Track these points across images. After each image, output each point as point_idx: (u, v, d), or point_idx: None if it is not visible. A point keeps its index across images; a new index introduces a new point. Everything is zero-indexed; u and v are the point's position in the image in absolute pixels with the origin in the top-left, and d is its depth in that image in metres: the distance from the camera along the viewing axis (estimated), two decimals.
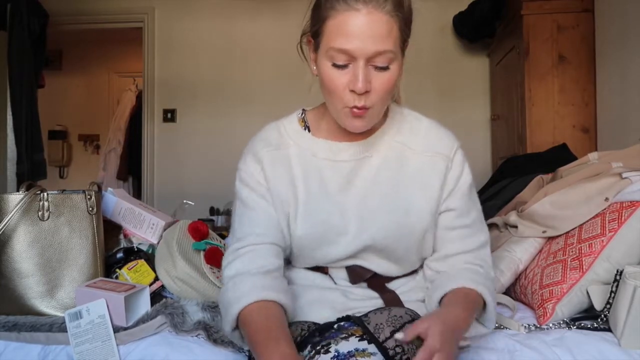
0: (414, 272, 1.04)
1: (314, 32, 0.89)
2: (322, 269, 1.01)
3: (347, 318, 0.85)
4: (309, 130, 1.00)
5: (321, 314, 0.93)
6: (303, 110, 1.04)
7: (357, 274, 0.97)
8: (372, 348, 0.77)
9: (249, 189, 0.97)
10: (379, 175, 0.95)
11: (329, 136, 0.98)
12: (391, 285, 1.00)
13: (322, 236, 0.94)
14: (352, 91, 0.84)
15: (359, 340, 0.79)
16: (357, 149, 0.96)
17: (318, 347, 0.79)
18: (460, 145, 0.99)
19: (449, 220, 0.97)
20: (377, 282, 0.99)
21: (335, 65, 0.85)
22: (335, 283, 0.99)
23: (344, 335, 0.81)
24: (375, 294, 0.98)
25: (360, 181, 0.95)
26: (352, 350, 0.77)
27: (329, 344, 0.79)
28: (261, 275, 0.89)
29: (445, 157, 0.96)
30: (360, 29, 0.81)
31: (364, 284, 0.99)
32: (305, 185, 0.96)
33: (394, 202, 0.94)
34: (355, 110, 0.86)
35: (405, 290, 1.00)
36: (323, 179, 0.95)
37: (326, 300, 0.96)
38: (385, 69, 0.84)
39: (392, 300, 0.96)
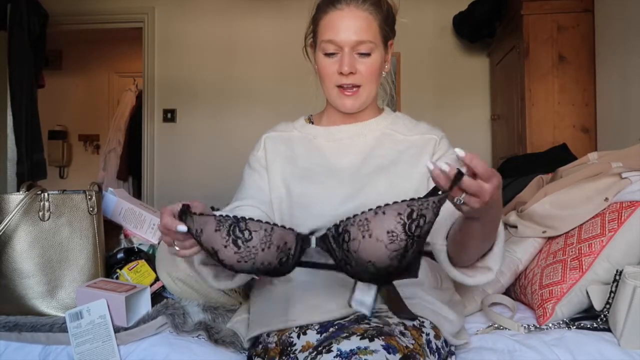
0: None
1: (312, 33, 1.08)
2: None
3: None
4: (312, 123, 1.16)
5: (323, 308, 0.96)
6: (311, 115, 1.20)
7: None
8: (374, 345, 0.78)
9: (249, 167, 1.15)
10: (373, 151, 1.08)
11: (329, 124, 1.13)
12: None
13: (319, 194, 1.03)
14: (341, 74, 1.01)
15: (360, 339, 0.79)
16: (353, 129, 1.10)
17: (320, 347, 0.80)
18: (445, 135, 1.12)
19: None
20: None
21: (326, 55, 1.03)
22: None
23: (345, 335, 0.81)
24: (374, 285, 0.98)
25: (355, 154, 1.08)
26: (354, 349, 0.77)
27: (331, 343, 0.79)
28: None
29: (434, 138, 1.09)
30: (343, 24, 1.00)
31: None
32: (306, 158, 1.09)
33: (387, 170, 1.05)
34: (345, 91, 1.03)
35: (404, 283, 1.00)
36: (322, 153, 1.09)
37: (326, 294, 0.98)
38: (367, 55, 1.01)
39: (389, 290, 0.97)
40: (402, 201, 0.69)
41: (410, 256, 0.71)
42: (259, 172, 1.12)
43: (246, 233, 0.73)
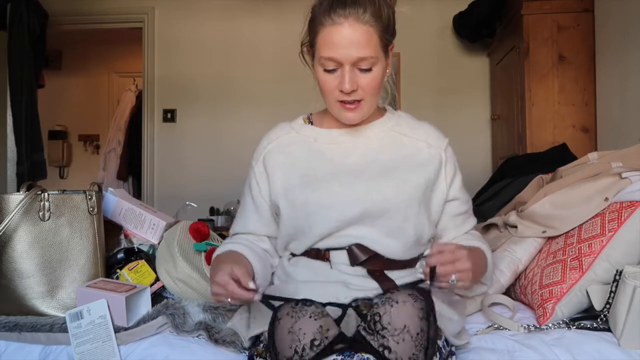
0: (413, 267, 1.06)
1: (310, 43, 1.04)
2: (322, 256, 1.03)
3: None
4: (311, 124, 1.13)
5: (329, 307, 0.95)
6: (311, 113, 1.17)
7: (356, 256, 1.01)
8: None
9: (248, 189, 1.13)
10: (377, 155, 1.06)
11: (330, 126, 1.10)
12: (390, 276, 1.02)
13: (323, 201, 1.02)
14: (341, 91, 0.98)
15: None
16: (356, 132, 1.08)
17: None
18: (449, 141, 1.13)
19: (455, 207, 1.10)
20: (376, 268, 1.02)
21: (326, 71, 0.99)
22: (331, 268, 1.02)
23: None
24: (374, 285, 0.99)
25: (359, 158, 1.05)
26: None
27: None
28: (244, 245, 1.08)
29: (439, 148, 1.08)
30: (343, 40, 0.95)
31: (364, 272, 1.01)
32: (306, 163, 1.07)
33: (391, 174, 1.03)
34: (347, 105, 1.00)
35: (406, 282, 1.01)
36: (323, 156, 1.07)
37: (328, 294, 0.97)
38: (369, 70, 0.98)
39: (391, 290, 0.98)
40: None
41: (434, 325, 0.80)
42: (257, 198, 1.11)
43: (308, 302, 0.82)
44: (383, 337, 0.77)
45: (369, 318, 0.79)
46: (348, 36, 0.95)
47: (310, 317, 0.78)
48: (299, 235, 1.04)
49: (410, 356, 0.76)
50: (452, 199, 1.09)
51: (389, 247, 1.02)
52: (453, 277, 0.87)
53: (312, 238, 1.03)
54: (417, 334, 0.76)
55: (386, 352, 0.77)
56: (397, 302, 0.78)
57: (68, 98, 5.34)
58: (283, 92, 3.54)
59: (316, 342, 0.78)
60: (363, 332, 0.79)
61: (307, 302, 0.81)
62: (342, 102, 1.00)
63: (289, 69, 3.30)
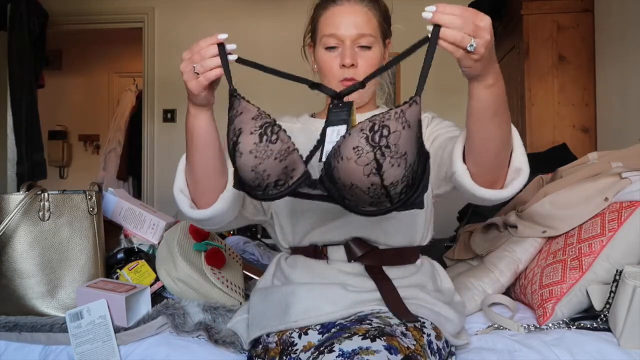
0: (412, 262, 1.07)
1: (312, 31, 1.10)
2: (319, 253, 1.04)
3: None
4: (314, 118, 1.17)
5: (324, 310, 0.96)
6: (314, 112, 1.20)
7: (353, 251, 1.02)
8: (375, 346, 0.78)
9: None
10: None
11: None
12: (389, 274, 1.02)
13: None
14: (343, 66, 1.03)
15: (362, 339, 0.80)
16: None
17: (322, 347, 0.80)
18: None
19: (442, 133, 1.05)
20: (374, 263, 1.02)
21: (327, 49, 1.05)
22: (328, 263, 1.02)
23: (347, 335, 0.82)
24: (372, 286, 0.99)
25: None
26: (356, 349, 0.78)
27: (333, 343, 0.80)
28: None
29: (427, 117, 1.10)
30: (345, 18, 1.03)
31: (362, 270, 1.01)
32: (306, 148, 1.04)
33: None
34: (346, 82, 1.03)
35: (405, 284, 1.01)
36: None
37: (326, 296, 0.98)
38: (368, 48, 1.04)
39: (389, 291, 0.98)
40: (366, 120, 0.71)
41: (392, 172, 0.69)
42: None
43: (274, 137, 0.76)
44: (339, 189, 0.74)
45: (326, 164, 0.75)
46: (349, 15, 1.03)
47: (276, 158, 0.75)
48: (294, 220, 1.05)
49: (367, 202, 0.72)
50: (434, 139, 1.05)
51: (387, 227, 1.03)
52: (472, 41, 0.78)
53: (308, 220, 1.04)
54: (368, 188, 0.70)
55: (346, 201, 0.74)
56: (341, 159, 0.71)
57: (68, 98, 5.34)
58: (283, 92, 3.53)
59: (280, 182, 0.77)
60: (325, 178, 0.76)
61: (272, 136, 0.76)
62: (343, 81, 1.04)
63: (289, 69, 3.28)
